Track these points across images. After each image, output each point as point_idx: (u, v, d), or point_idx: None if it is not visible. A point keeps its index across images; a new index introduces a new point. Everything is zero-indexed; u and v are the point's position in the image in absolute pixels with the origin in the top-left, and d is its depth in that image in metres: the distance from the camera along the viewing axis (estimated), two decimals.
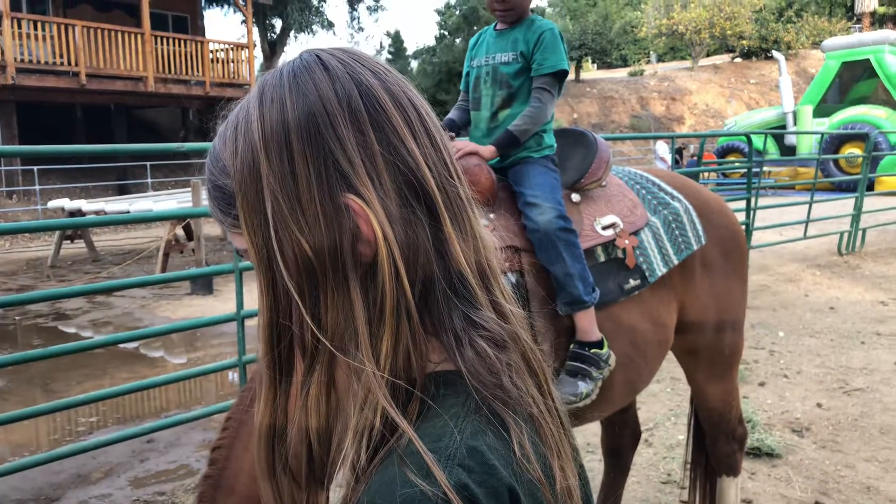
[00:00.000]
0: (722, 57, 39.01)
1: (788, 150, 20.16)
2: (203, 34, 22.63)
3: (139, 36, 18.52)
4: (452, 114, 2.58)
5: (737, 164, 15.09)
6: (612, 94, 32.35)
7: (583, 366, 2.24)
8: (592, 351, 2.24)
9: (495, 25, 2.52)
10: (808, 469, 3.75)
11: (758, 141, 16.45)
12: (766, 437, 4.01)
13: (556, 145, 2.47)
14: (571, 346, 2.28)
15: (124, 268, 11.71)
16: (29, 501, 3.83)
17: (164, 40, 19.28)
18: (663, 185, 2.61)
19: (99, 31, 17.74)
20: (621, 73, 37.58)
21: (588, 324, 2.25)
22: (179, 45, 19.60)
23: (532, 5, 2.49)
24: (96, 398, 3.77)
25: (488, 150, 2.31)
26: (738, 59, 37.17)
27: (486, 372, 0.66)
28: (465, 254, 0.69)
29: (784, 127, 20.55)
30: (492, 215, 2.24)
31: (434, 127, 0.72)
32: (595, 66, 39.02)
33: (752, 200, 7.63)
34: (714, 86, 34.20)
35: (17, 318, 8.61)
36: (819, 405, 4.60)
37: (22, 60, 16.46)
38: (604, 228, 2.40)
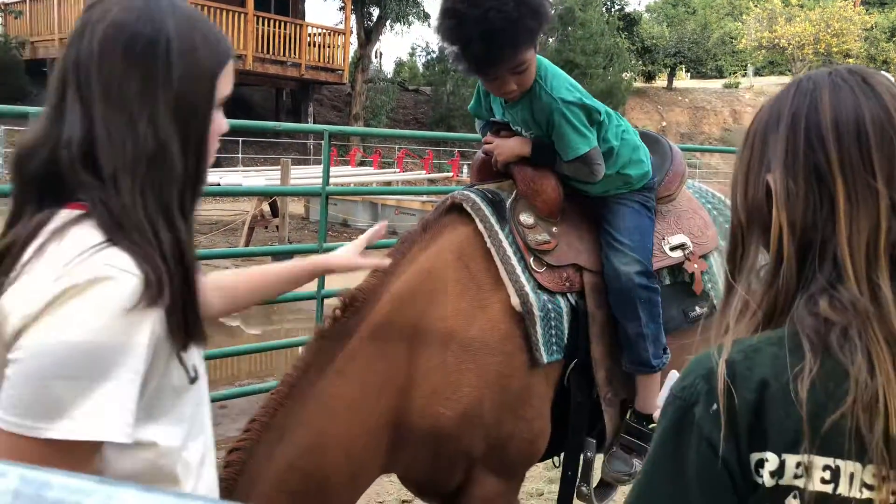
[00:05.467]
0: None
1: None
2: (303, 17, 23.15)
3: (243, 15, 19.15)
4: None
5: None
6: (705, 105, 31.51)
7: (639, 442, 2.05)
8: (651, 426, 2.01)
9: None
10: None
11: None
12: None
13: (650, 170, 2.16)
14: (629, 414, 2.09)
15: (210, 237, 12.19)
16: None
17: (266, 21, 19.87)
18: None
19: (205, 7, 18.43)
20: (716, 83, 36.52)
21: (650, 392, 2.02)
22: (279, 27, 20.16)
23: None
24: None
25: (526, 148, 2.05)
26: None
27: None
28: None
29: None
30: (555, 229, 2.04)
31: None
32: (689, 75, 38.02)
33: None
34: None
35: None
36: None
37: None
38: (672, 249, 2.18)
